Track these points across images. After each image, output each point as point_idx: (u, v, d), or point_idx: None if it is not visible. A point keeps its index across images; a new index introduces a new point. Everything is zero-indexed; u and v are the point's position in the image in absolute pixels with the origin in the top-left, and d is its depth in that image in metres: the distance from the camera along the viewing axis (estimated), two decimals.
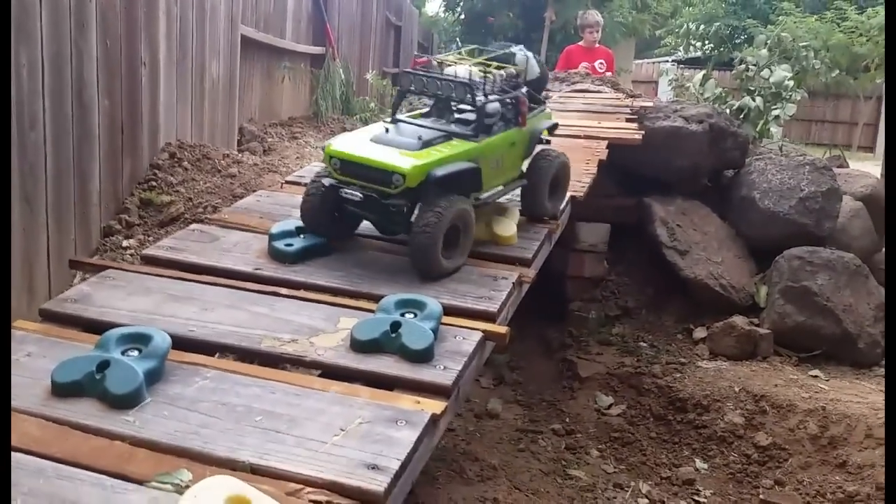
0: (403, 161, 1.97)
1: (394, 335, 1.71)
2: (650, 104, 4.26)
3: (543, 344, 3.96)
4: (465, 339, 1.79)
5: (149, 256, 2.09)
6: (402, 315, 1.77)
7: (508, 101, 2.27)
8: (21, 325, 1.71)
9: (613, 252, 4.10)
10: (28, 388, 1.48)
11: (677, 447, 3.28)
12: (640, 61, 15.52)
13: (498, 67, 2.31)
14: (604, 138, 3.56)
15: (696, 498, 3.03)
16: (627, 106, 4.22)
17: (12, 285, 2.97)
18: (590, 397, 3.61)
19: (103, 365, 1.46)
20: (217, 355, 1.69)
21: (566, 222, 2.82)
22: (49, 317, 1.76)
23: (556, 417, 3.48)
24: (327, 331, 1.79)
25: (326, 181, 2.07)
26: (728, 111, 4.66)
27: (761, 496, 3.00)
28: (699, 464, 3.18)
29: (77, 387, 1.44)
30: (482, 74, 2.26)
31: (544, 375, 3.79)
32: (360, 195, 2.00)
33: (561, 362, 3.84)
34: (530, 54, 2.47)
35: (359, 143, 2.07)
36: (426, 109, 2.32)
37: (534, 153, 2.47)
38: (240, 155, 4.64)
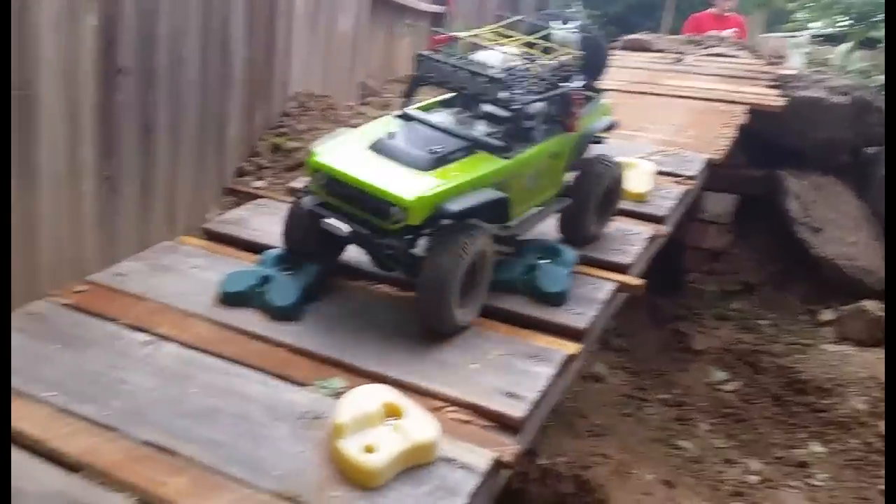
0: (406, 187, 1.49)
1: (527, 277, 1.74)
2: (793, 72, 4.08)
3: (654, 313, 3.90)
4: (599, 288, 1.81)
5: (294, 190, 2.20)
6: (538, 259, 1.80)
7: (556, 98, 1.74)
8: (186, 240, 1.86)
9: (738, 224, 3.98)
10: (197, 295, 1.62)
11: (793, 429, 3.18)
12: (768, 35, 14.78)
13: (546, 49, 1.79)
14: (743, 103, 3.44)
15: (809, 481, 2.94)
16: (767, 72, 4.05)
17: (154, 213, 3.18)
18: (702, 371, 3.55)
19: (266, 280, 1.57)
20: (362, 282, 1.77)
21: (701, 185, 2.76)
22: (211, 236, 1.90)
23: (664, 387, 3.44)
24: None
25: (309, 201, 1.60)
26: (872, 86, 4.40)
27: (882, 487, 2.89)
28: (816, 447, 3.08)
29: (243, 297, 1.56)
30: (525, 59, 1.73)
31: (653, 345, 3.74)
32: (347, 228, 1.53)
33: (672, 333, 3.78)
34: (580, 32, 1.91)
35: (353, 153, 1.59)
36: (449, 95, 1.82)
37: (581, 159, 1.94)
38: (362, 108, 4.76)
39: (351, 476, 1.20)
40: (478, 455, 1.28)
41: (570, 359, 1.58)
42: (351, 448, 1.21)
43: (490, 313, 1.68)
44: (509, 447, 1.31)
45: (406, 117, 1.71)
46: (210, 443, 1.24)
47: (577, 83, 1.77)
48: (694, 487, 2.84)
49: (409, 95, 1.76)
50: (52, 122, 2.53)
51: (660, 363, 3.66)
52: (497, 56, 1.70)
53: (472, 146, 1.62)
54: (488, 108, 1.72)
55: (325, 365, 1.45)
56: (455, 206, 1.49)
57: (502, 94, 1.61)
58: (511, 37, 1.82)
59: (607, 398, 3.31)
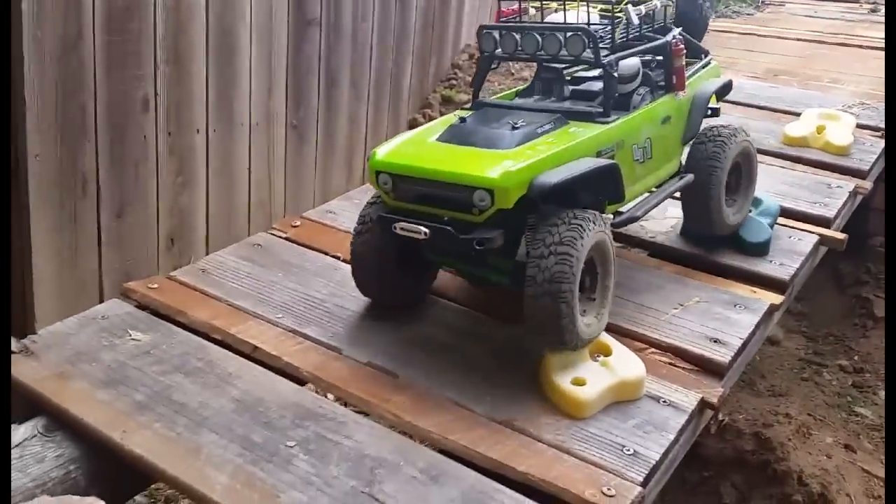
0: (490, 166, 1.23)
1: None
2: None
3: (835, 277, 3.70)
4: (801, 240, 1.75)
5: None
6: None
7: (654, 52, 1.53)
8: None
9: None
10: None
11: None
12: None
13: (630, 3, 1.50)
14: None
15: None
16: None
17: (335, 161, 3.35)
18: (883, 338, 3.36)
19: None
20: None
21: None
22: None
23: (843, 353, 3.29)
24: (656, 217, 1.83)
25: (375, 211, 1.38)
26: None
27: None
28: None
29: None
30: (608, 15, 1.47)
31: (833, 310, 3.56)
32: (425, 230, 1.25)
33: (854, 299, 3.58)
34: None
35: (419, 145, 1.36)
36: (524, 87, 1.59)
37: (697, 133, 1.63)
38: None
39: (561, 406, 1.24)
40: (684, 395, 1.29)
41: (773, 309, 1.54)
42: (561, 380, 1.25)
43: (689, 261, 1.67)
44: (715, 390, 1.31)
45: (478, 105, 1.48)
46: (426, 368, 1.33)
47: (675, 32, 1.54)
48: (873, 454, 2.72)
49: (479, 82, 1.51)
50: (251, 71, 2.71)
51: (839, 328, 3.50)
52: (572, 16, 1.45)
53: (561, 117, 1.38)
54: (575, 86, 1.52)
55: None
56: (552, 177, 1.21)
57: (587, 49, 1.35)
58: None
59: (784, 361, 3.21)
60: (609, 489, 1.11)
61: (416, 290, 1.50)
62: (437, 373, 1.32)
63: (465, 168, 1.24)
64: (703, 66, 1.69)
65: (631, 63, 1.45)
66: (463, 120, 1.36)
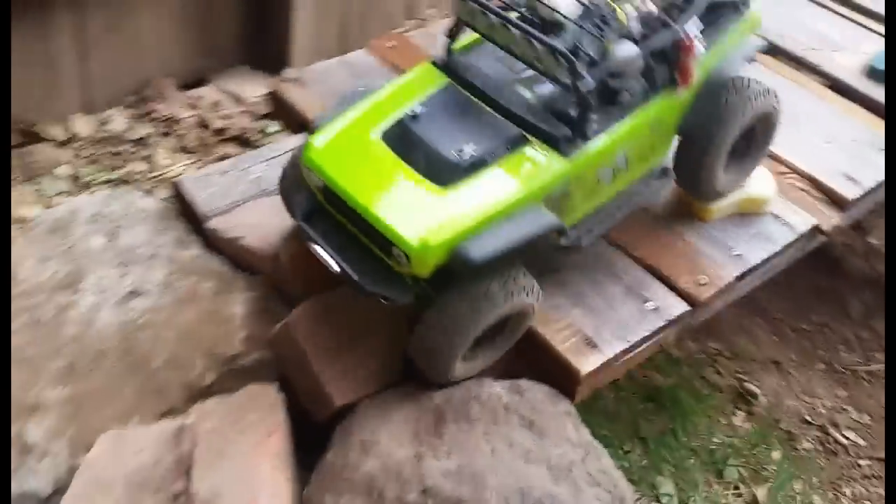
0: (412, 220, 1.10)
1: None
2: None
3: None
4: None
5: None
6: None
7: (657, 46, 1.22)
8: None
9: None
10: None
11: None
12: None
13: None
14: None
15: None
16: None
17: None
18: None
19: None
20: None
21: None
22: None
23: None
24: (847, 49, 1.89)
25: (300, 204, 1.26)
26: None
27: None
28: None
29: None
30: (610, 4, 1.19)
31: None
32: (336, 267, 1.18)
33: None
34: None
35: (360, 143, 1.20)
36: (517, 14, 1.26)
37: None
38: None
39: (692, 206, 1.51)
40: (802, 218, 1.51)
41: None
42: None
43: (858, 99, 1.78)
44: (832, 219, 1.52)
45: (447, 70, 1.27)
46: None
47: (691, 20, 1.22)
48: None
49: (450, 39, 1.29)
50: None
51: None
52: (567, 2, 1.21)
53: (520, 137, 1.18)
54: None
55: None
56: (479, 251, 1.08)
57: (565, 71, 1.12)
58: None
59: None
60: (703, 279, 1.37)
61: None
62: None
63: (388, 211, 1.11)
64: (736, 22, 1.33)
65: (626, 54, 1.18)
66: (415, 116, 1.19)
